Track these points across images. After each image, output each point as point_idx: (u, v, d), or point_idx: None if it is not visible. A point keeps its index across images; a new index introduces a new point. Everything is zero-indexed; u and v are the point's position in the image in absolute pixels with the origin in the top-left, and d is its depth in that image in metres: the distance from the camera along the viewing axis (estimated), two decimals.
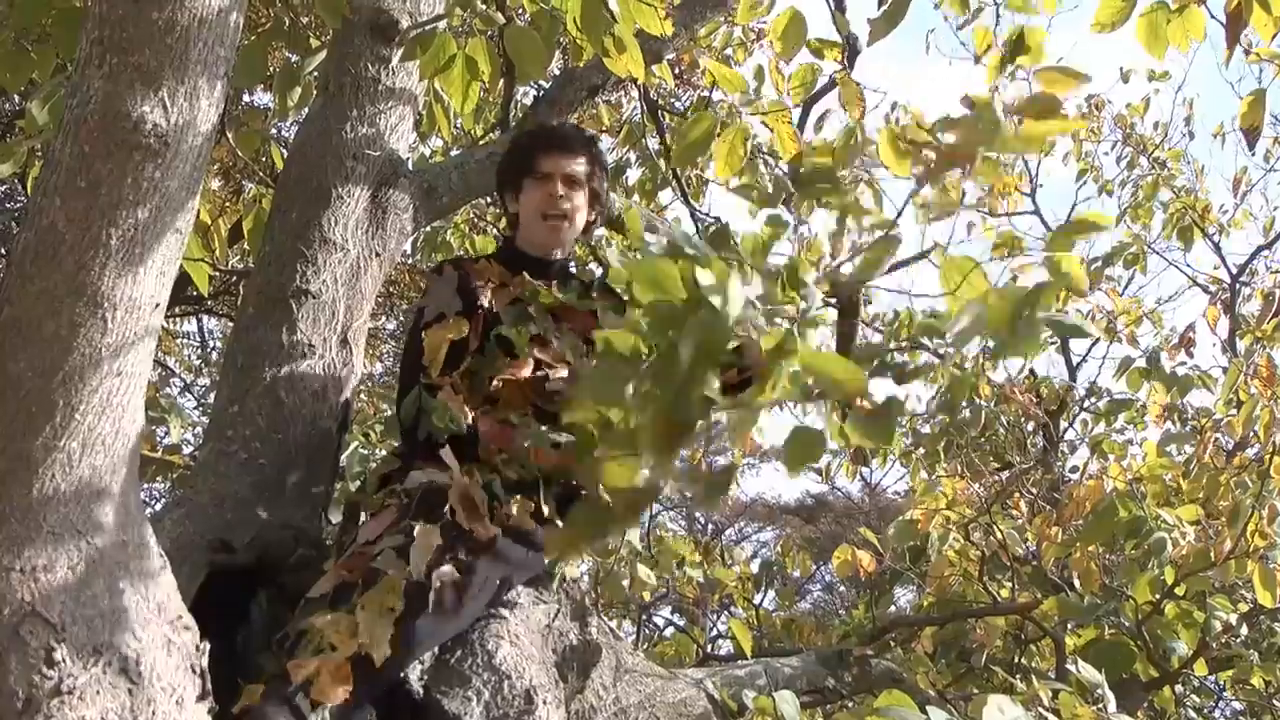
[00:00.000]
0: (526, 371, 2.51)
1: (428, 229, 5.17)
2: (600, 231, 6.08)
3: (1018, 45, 2.96)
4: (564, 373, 2.54)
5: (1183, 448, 4.43)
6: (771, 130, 3.45)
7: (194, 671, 1.59)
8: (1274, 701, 4.20)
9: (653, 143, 5.31)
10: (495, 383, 2.48)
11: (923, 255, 1.46)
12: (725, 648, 8.32)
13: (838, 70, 3.78)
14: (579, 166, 2.76)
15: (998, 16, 2.86)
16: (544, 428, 2.47)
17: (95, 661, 1.45)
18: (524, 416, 2.46)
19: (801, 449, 2.14)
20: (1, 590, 1.43)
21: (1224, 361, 6.23)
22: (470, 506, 2.19)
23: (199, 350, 11.08)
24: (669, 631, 9.27)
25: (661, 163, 5.32)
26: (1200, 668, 3.93)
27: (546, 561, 2.43)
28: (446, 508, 2.17)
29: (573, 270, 2.88)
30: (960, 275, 1.38)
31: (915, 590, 5.71)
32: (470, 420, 2.39)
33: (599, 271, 4.56)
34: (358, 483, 2.84)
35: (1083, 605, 3.90)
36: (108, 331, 1.48)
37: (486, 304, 2.59)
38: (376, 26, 3.10)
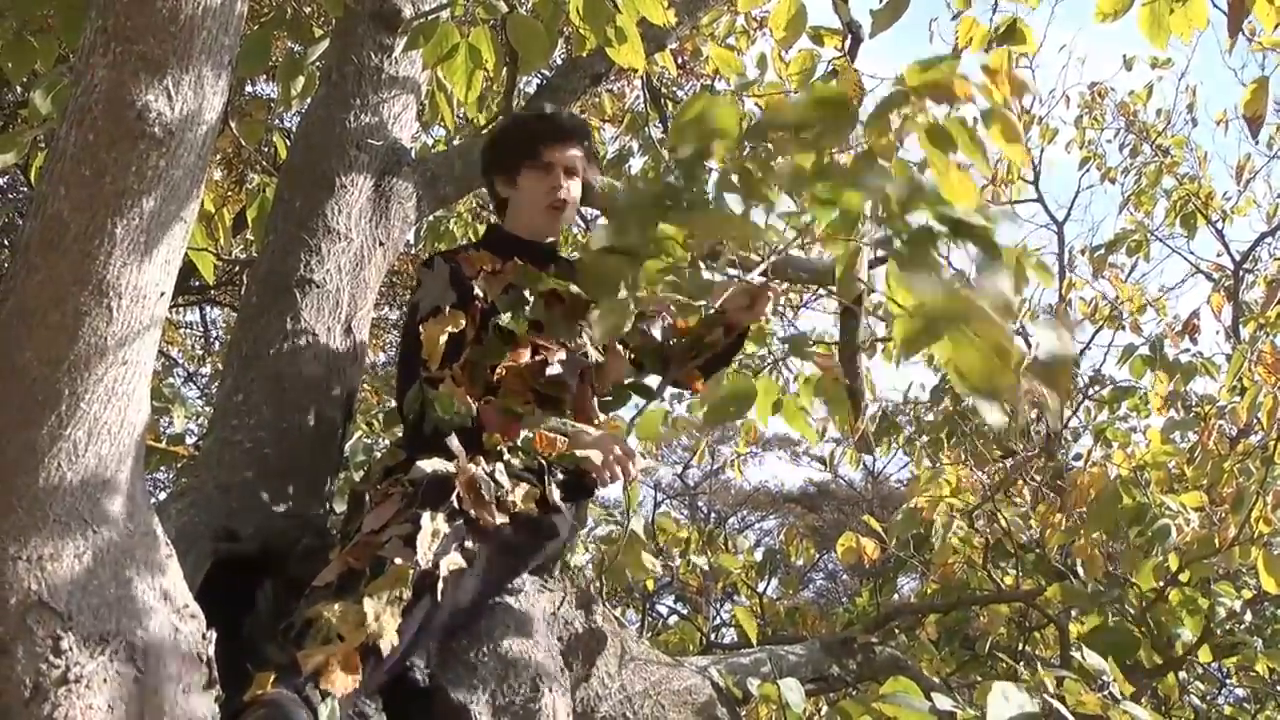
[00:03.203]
0: (525, 357, 2.50)
1: (431, 218, 5.18)
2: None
3: (1009, 33, 2.96)
4: (562, 355, 2.54)
5: (1187, 435, 4.44)
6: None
7: (201, 660, 1.59)
8: (1278, 688, 4.21)
9: (655, 131, 5.31)
10: (498, 371, 2.47)
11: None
12: (728, 636, 8.35)
13: (837, 57, 3.78)
14: (578, 157, 2.77)
15: (994, 8, 2.86)
16: (545, 414, 2.46)
17: (102, 650, 1.45)
18: (526, 404, 2.46)
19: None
20: (8, 579, 1.43)
21: (1228, 348, 6.22)
22: (477, 494, 2.19)
23: (202, 340, 11.09)
24: (672, 620, 9.28)
25: (664, 151, 5.32)
26: (1204, 654, 3.93)
27: (552, 545, 2.43)
28: (453, 495, 2.17)
29: (559, 253, 2.87)
30: None
31: (919, 578, 5.71)
32: (474, 411, 2.38)
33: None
34: (361, 472, 2.84)
35: (1087, 592, 3.91)
36: (113, 320, 1.48)
37: (481, 294, 2.57)
38: (379, 15, 3.10)
